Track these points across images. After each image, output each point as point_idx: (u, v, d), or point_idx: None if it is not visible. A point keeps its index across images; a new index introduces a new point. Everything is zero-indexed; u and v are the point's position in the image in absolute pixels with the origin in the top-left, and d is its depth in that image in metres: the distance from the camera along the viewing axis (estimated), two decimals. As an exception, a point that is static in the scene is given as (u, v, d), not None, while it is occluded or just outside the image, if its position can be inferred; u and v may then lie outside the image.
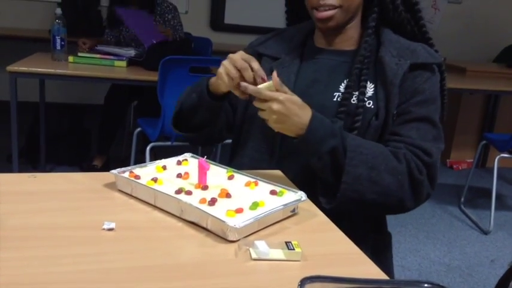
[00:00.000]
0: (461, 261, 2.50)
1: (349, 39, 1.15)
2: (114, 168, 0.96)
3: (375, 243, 1.13)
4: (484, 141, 3.07)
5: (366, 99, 1.07)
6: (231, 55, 1.00)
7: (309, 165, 1.03)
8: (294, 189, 0.94)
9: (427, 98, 1.07)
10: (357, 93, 1.08)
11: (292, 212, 0.90)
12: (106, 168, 3.23)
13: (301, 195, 0.91)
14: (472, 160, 3.71)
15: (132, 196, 0.92)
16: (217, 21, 4.75)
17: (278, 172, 1.12)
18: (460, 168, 4.05)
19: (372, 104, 1.07)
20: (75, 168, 3.26)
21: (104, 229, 0.78)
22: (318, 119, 0.98)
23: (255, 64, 0.98)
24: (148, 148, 2.48)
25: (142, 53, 2.72)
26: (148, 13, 2.99)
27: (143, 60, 2.67)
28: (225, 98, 1.11)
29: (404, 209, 1.05)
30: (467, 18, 5.37)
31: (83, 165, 3.26)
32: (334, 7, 1.06)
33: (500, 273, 1.49)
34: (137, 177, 0.93)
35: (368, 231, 1.16)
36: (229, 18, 4.74)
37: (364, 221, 1.15)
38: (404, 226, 2.87)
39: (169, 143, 2.45)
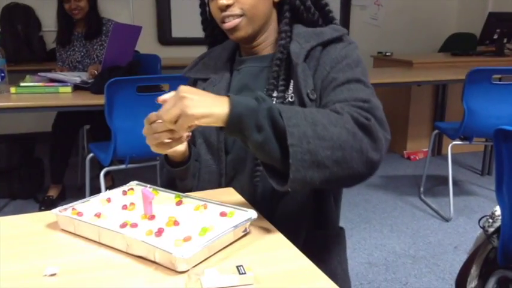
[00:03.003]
0: (426, 251, 2.55)
1: (268, 45, 1.16)
2: (71, 197, 0.93)
3: (319, 240, 1.12)
4: (437, 131, 3.14)
5: (286, 96, 1.08)
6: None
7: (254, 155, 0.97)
8: (244, 208, 0.92)
9: (349, 63, 1.04)
10: (276, 93, 1.09)
11: (244, 232, 0.88)
12: (62, 197, 3.13)
13: (251, 213, 0.90)
14: (427, 150, 3.81)
15: (77, 234, 0.88)
16: (165, 36, 4.72)
17: (230, 190, 1.11)
18: (418, 158, 4.15)
19: (294, 97, 1.07)
20: (30, 201, 3.14)
21: (46, 275, 0.74)
22: (236, 96, 0.88)
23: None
24: (102, 174, 2.41)
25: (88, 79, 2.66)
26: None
27: (90, 85, 2.60)
28: (188, 159, 1.10)
29: (371, 163, 0.91)
30: (410, 11, 5.52)
31: (38, 197, 3.15)
32: (238, 16, 1.07)
33: (464, 259, 1.52)
34: (80, 214, 0.90)
35: (303, 227, 1.11)
36: (176, 32, 4.73)
37: (299, 216, 1.12)
38: (369, 222, 2.90)
39: (123, 166, 2.39)
